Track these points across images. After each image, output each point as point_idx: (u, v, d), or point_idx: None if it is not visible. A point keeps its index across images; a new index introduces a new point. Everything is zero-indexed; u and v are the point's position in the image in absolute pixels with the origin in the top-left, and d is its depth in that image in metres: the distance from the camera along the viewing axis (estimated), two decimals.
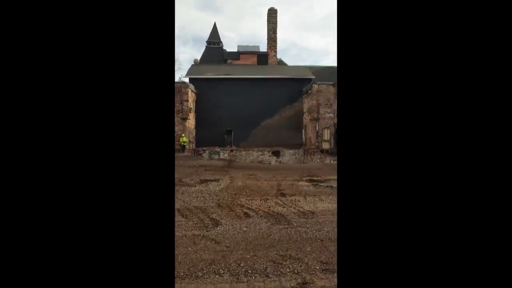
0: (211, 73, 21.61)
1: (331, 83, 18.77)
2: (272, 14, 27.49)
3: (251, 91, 21.42)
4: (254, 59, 26.60)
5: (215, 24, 27.55)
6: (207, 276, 2.73)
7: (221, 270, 2.85)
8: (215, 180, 8.30)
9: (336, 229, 4.14)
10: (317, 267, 2.92)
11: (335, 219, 4.61)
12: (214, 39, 27.04)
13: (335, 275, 2.74)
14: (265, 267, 2.90)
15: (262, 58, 26.62)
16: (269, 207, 5.39)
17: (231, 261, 3.05)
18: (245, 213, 4.97)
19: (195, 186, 7.45)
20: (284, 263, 3.01)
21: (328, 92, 18.67)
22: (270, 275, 2.75)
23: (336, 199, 5.93)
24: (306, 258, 3.12)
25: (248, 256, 3.16)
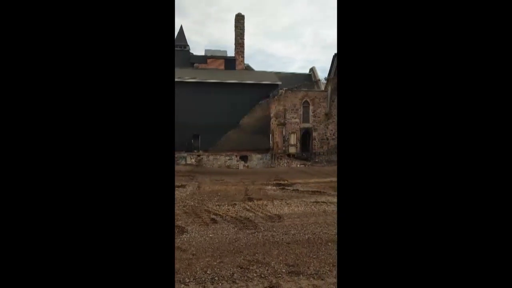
0: (177, 77, 21.15)
1: (297, 89, 19.30)
2: (239, 20, 27.70)
3: (219, 95, 21.30)
4: (221, 64, 26.53)
5: (181, 27, 27.08)
6: None
7: (186, 278, 2.77)
8: (181, 186, 8.09)
9: (299, 232, 4.24)
10: (284, 270, 2.96)
11: (302, 222, 4.72)
12: (180, 42, 26.53)
13: (301, 277, 2.81)
14: (232, 273, 2.87)
15: (230, 63, 26.65)
16: (237, 212, 5.37)
17: (197, 268, 2.98)
18: (212, 219, 4.91)
19: None
20: (251, 268, 3.01)
21: (294, 98, 19.18)
22: (237, 281, 2.73)
23: (302, 203, 6.08)
24: (273, 262, 3.16)
25: (215, 263, 3.12)
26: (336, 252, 3.41)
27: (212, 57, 26.90)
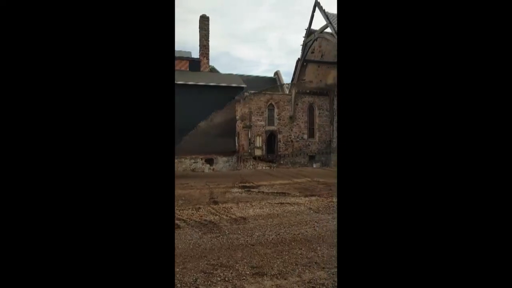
0: None
1: (262, 92, 19.56)
2: (204, 21, 27.37)
3: (183, 97, 20.80)
4: (186, 65, 25.99)
5: None
6: None
7: None
8: None
9: (263, 233, 4.28)
10: (248, 272, 2.96)
11: (266, 223, 4.77)
12: None
13: (265, 278, 2.83)
14: (195, 279, 2.81)
15: (194, 65, 26.20)
16: (201, 216, 5.27)
17: None
18: (175, 224, 4.76)
19: None
20: (214, 272, 2.96)
21: (260, 100, 19.39)
22: (200, 286, 2.67)
23: (267, 204, 6.15)
24: (237, 265, 3.14)
25: (177, 269, 3.02)
26: (298, 252, 3.49)
27: (176, 58, 26.25)
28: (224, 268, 3.05)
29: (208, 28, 27.68)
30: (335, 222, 4.77)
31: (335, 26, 16.53)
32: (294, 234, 4.17)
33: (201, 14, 27.81)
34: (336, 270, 2.94)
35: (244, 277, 2.85)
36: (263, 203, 6.24)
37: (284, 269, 3.00)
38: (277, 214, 5.36)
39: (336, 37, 16.26)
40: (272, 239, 4.01)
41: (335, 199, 6.51)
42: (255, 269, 3.04)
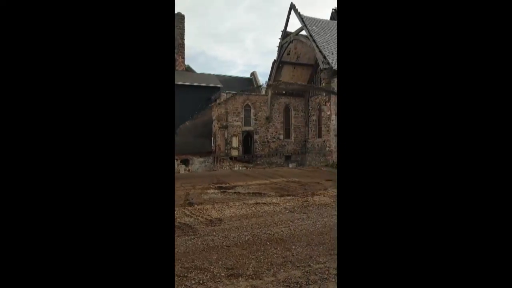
0: None
1: (239, 92, 19.53)
2: (180, 20, 26.87)
3: None
4: None
5: None
6: None
7: None
8: None
9: (239, 234, 4.27)
10: (223, 274, 2.93)
11: (242, 224, 4.76)
12: None
13: (240, 279, 2.82)
14: None
15: None
16: (176, 218, 5.16)
17: None
18: None
19: None
20: (189, 275, 2.91)
21: (236, 101, 19.34)
22: None
23: (243, 205, 6.14)
24: (212, 267, 3.11)
25: None
26: (274, 251, 3.52)
27: None
28: (199, 271, 3.01)
29: (183, 27, 27.21)
30: (310, 221, 4.86)
31: (310, 29, 16.88)
32: (270, 234, 4.20)
33: (176, 12, 27.29)
34: (309, 268, 3.00)
35: (219, 279, 2.83)
36: (239, 204, 6.23)
37: (259, 269, 3.01)
38: (253, 215, 5.37)
39: (310, 40, 16.61)
40: (247, 239, 4.01)
41: (310, 198, 6.64)
42: (230, 270, 3.02)
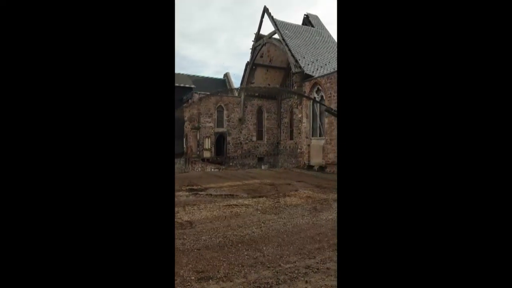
0: None
1: (212, 93, 19.35)
2: None
3: None
4: None
5: None
6: None
7: None
8: None
9: (210, 237, 4.23)
10: (193, 277, 2.89)
11: (213, 226, 4.72)
12: None
13: (210, 282, 2.80)
14: None
15: None
16: None
17: None
18: None
19: None
20: None
21: (209, 102, 19.14)
22: None
23: (214, 207, 6.09)
24: (182, 271, 3.05)
25: None
26: (245, 253, 3.54)
27: None
28: None
29: None
30: (281, 222, 4.94)
31: (283, 33, 17.18)
32: (241, 236, 4.21)
33: None
34: (280, 268, 3.05)
35: (189, 283, 2.78)
36: (211, 206, 6.17)
37: (229, 272, 3.01)
38: (225, 217, 5.35)
39: (283, 44, 16.91)
40: (218, 242, 3.99)
41: (281, 199, 6.74)
42: (200, 273, 2.98)
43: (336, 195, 7.29)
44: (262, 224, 4.80)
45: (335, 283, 2.67)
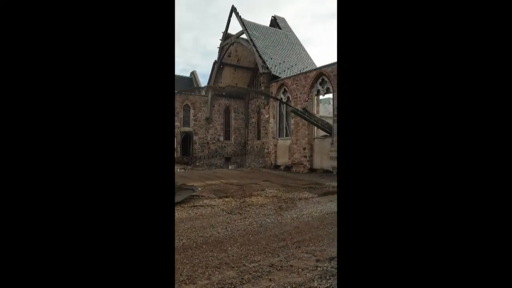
0: None
1: (178, 92, 18.85)
2: None
3: None
4: None
5: None
6: None
7: None
8: None
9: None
10: None
11: (177, 228, 4.60)
12: None
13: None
14: None
15: None
16: None
17: None
18: None
19: None
20: None
21: (175, 101, 18.62)
22: None
23: (179, 208, 5.93)
24: None
25: None
26: (209, 254, 3.49)
27: None
28: None
29: None
30: (247, 222, 4.95)
31: (250, 33, 17.26)
32: (206, 237, 4.15)
33: None
34: (244, 267, 3.05)
35: None
36: (176, 207, 6.00)
37: (193, 274, 2.95)
38: (190, 218, 5.24)
39: (251, 44, 16.98)
40: (183, 244, 3.89)
41: (247, 199, 6.76)
42: None
43: (301, 194, 7.49)
44: (228, 225, 4.78)
45: (298, 279, 2.73)
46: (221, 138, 20.23)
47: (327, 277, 2.76)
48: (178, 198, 6.37)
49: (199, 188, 7.61)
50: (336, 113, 12.38)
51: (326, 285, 2.60)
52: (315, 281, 2.70)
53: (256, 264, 3.13)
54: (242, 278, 2.78)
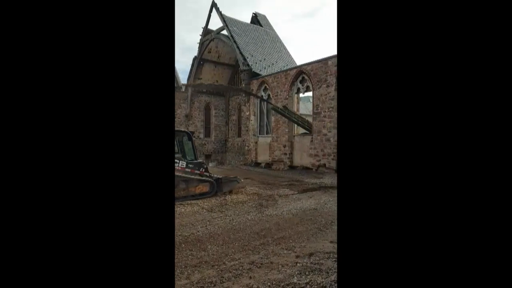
0: None
1: None
2: None
3: None
4: None
5: None
6: None
7: None
8: None
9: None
10: None
11: None
12: None
13: None
14: None
15: None
16: None
17: None
18: None
19: None
20: None
21: None
22: None
23: None
24: None
25: None
26: (189, 253, 3.43)
27: None
28: None
29: None
30: (227, 219, 4.92)
31: (231, 29, 17.10)
32: (186, 236, 4.07)
33: None
34: (224, 266, 3.02)
35: None
36: None
37: None
38: None
39: (231, 40, 16.83)
40: None
41: (228, 197, 6.72)
42: None
43: (281, 191, 7.54)
44: (208, 223, 4.72)
45: (278, 276, 2.75)
46: (201, 135, 19.97)
47: (307, 273, 2.80)
48: (225, 188, 6.99)
49: (242, 180, 7.91)
50: (315, 111, 12.57)
51: (305, 281, 2.63)
52: (295, 277, 2.72)
53: (237, 262, 3.11)
54: (222, 277, 2.76)
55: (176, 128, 7.36)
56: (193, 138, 7.25)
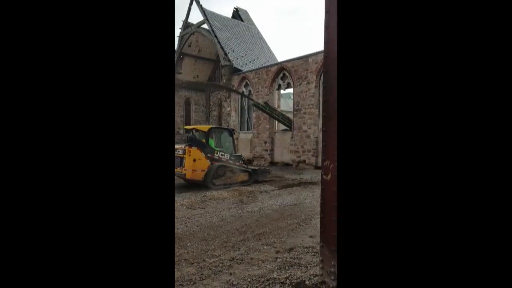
0: None
1: None
2: None
3: None
4: None
5: None
6: None
7: None
8: None
9: None
10: None
11: None
12: None
13: None
14: None
15: None
16: None
17: None
18: None
19: None
20: None
21: None
22: None
23: None
24: None
25: None
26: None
27: None
28: None
29: None
30: (207, 216, 4.88)
31: (212, 23, 16.84)
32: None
33: None
34: (204, 263, 3.00)
35: None
36: None
37: None
38: None
39: (212, 35, 16.59)
40: None
41: (208, 193, 6.67)
42: None
43: (262, 187, 7.58)
44: (188, 220, 4.66)
45: (258, 272, 2.76)
46: (181, 131, 19.63)
47: (286, 268, 2.83)
48: (260, 177, 8.24)
49: (271, 171, 9.14)
50: (296, 107, 12.69)
51: (285, 276, 2.66)
52: (275, 272, 2.75)
53: (217, 259, 3.10)
54: (201, 274, 2.74)
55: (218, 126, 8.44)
56: (233, 135, 8.44)
